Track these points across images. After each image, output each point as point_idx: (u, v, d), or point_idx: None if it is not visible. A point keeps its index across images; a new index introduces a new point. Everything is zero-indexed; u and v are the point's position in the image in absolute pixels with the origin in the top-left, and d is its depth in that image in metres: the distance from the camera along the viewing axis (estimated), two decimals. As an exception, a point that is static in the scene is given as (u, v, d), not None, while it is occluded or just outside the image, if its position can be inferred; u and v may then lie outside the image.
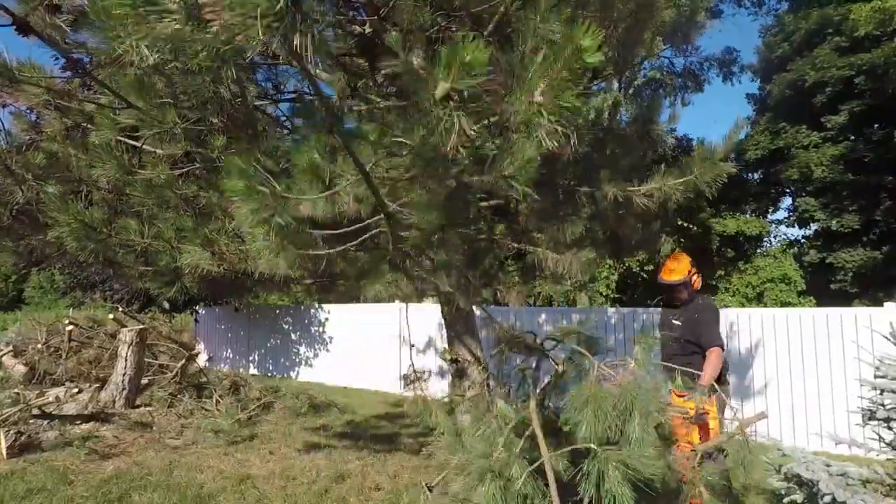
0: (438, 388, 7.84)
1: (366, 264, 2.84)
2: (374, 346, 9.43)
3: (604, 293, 13.40)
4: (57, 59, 3.10)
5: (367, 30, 3.19)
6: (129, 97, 2.30)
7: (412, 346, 8.06)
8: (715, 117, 34.12)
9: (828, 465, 2.53)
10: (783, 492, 2.69)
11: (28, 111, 3.36)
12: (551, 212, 3.41)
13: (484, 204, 3.84)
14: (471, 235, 3.22)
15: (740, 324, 6.20)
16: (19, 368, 7.43)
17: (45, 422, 5.49)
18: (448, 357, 3.31)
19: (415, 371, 3.24)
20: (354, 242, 2.20)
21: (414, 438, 5.43)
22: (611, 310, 7.36)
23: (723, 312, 6.41)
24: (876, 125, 15.45)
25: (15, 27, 1.63)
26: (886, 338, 2.59)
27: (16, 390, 6.30)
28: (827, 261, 16.39)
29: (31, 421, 5.39)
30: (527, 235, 3.41)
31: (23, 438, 4.88)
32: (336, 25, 3.26)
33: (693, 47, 18.73)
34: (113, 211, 3.20)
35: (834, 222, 16.32)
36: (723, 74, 20.08)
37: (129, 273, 3.01)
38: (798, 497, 2.59)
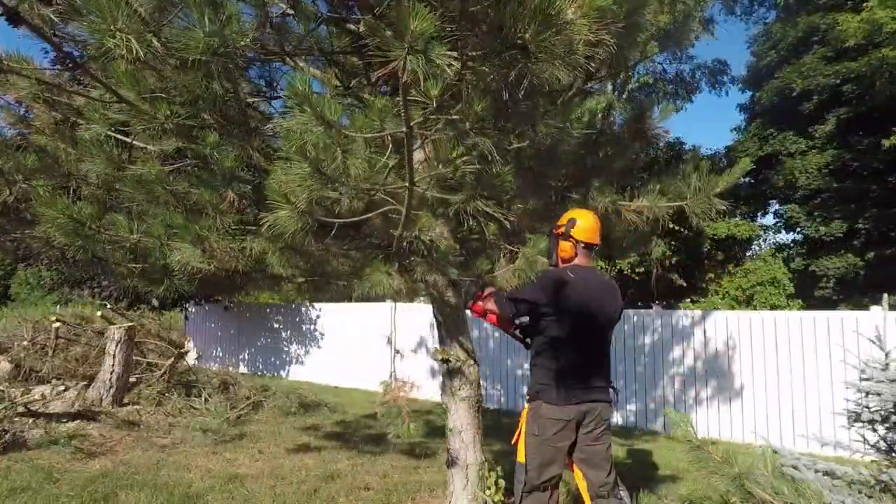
0: (431, 388, 7.84)
1: (358, 262, 2.83)
2: (366, 345, 9.41)
3: (595, 295, 13.45)
4: (46, 52, 3.06)
5: (362, 28, 3.18)
6: (120, 90, 2.28)
7: (397, 351, 8.03)
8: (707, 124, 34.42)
9: (815, 465, 2.56)
10: (770, 492, 2.72)
11: (16, 104, 3.31)
12: (544, 213, 3.43)
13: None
14: (463, 234, 3.22)
15: (729, 326, 6.26)
16: (4, 366, 7.31)
17: (31, 420, 5.41)
18: (440, 357, 3.30)
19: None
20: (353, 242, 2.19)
21: (404, 439, 5.42)
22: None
23: (712, 315, 6.48)
24: (862, 133, 15.69)
25: (6, 17, 1.62)
26: (872, 341, 2.63)
27: (0, 388, 6.21)
28: (810, 268, 16.62)
29: (16, 419, 5.31)
30: (519, 237, 3.42)
31: (7, 437, 4.81)
32: (330, 23, 3.25)
33: (685, 55, 19.07)
34: (102, 206, 3.17)
35: (820, 229, 16.54)
36: (711, 83, 20.42)
37: (118, 271, 2.97)
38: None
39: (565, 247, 2.65)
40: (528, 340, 2.83)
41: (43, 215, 2.42)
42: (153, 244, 2.61)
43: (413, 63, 1.36)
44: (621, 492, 2.61)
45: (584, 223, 2.65)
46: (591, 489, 2.52)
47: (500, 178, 2.21)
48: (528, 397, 2.63)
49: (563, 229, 2.67)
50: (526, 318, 2.72)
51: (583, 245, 2.63)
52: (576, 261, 2.65)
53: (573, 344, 2.53)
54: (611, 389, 2.64)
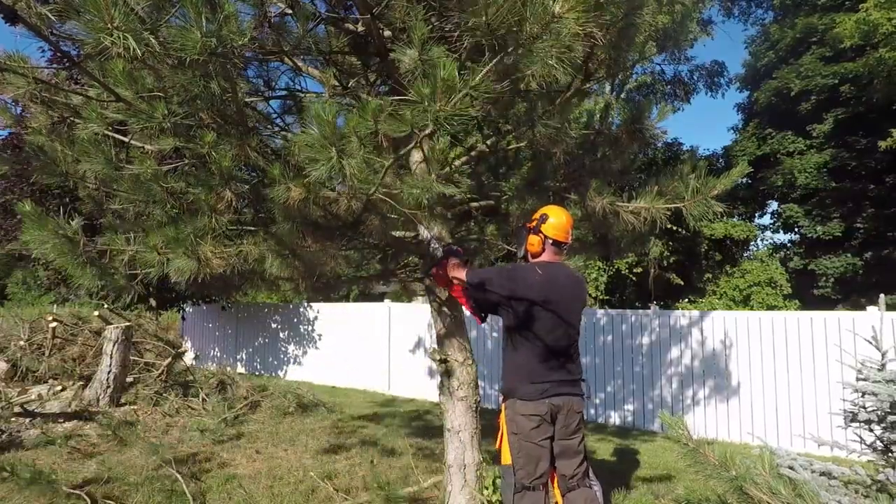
0: (429, 388, 7.84)
1: (354, 262, 2.83)
2: (363, 345, 9.40)
3: (593, 294, 13.49)
4: (43, 51, 3.04)
5: (360, 28, 3.18)
6: (117, 89, 2.27)
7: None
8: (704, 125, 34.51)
9: (811, 465, 2.57)
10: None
11: (13, 104, 3.30)
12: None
13: (475, 204, 3.85)
14: (462, 235, 3.22)
15: (726, 326, 6.27)
16: (1, 366, 7.30)
17: (27, 420, 5.39)
18: (437, 357, 3.30)
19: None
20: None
21: (402, 439, 5.42)
22: (599, 311, 7.40)
23: (709, 316, 6.50)
24: (860, 133, 15.73)
25: (3, 15, 1.61)
26: (868, 341, 2.64)
27: (-3, 388, 6.19)
28: (809, 267, 16.65)
29: (12, 419, 5.29)
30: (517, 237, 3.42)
31: (4, 437, 4.79)
32: (329, 23, 3.25)
33: (683, 56, 19.18)
34: (98, 206, 3.16)
35: (817, 229, 16.57)
36: (708, 84, 20.57)
37: (117, 281, 2.95)
38: (781, 497, 2.62)
39: (534, 241, 2.65)
40: (482, 315, 2.79)
41: (33, 238, 2.37)
42: (150, 256, 2.59)
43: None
44: (593, 483, 2.59)
45: (555, 220, 2.63)
46: (563, 482, 2.52)
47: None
48: (501, 396, 2.61)
49: (534, 224, 2.67)
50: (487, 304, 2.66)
51: (551, 242, 2.62)
52: (543, 256, 2.64)
53: (542, 339, 2.50)
54: (582, 382, 2.63)
